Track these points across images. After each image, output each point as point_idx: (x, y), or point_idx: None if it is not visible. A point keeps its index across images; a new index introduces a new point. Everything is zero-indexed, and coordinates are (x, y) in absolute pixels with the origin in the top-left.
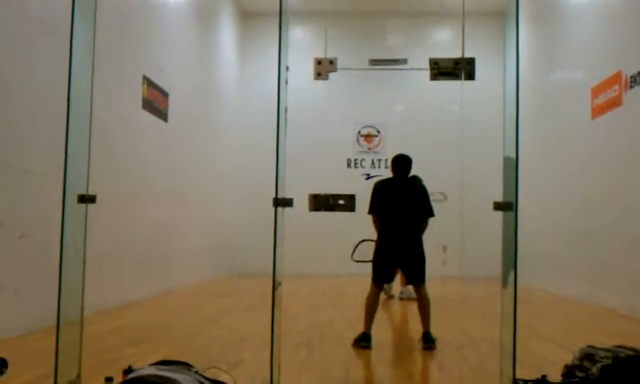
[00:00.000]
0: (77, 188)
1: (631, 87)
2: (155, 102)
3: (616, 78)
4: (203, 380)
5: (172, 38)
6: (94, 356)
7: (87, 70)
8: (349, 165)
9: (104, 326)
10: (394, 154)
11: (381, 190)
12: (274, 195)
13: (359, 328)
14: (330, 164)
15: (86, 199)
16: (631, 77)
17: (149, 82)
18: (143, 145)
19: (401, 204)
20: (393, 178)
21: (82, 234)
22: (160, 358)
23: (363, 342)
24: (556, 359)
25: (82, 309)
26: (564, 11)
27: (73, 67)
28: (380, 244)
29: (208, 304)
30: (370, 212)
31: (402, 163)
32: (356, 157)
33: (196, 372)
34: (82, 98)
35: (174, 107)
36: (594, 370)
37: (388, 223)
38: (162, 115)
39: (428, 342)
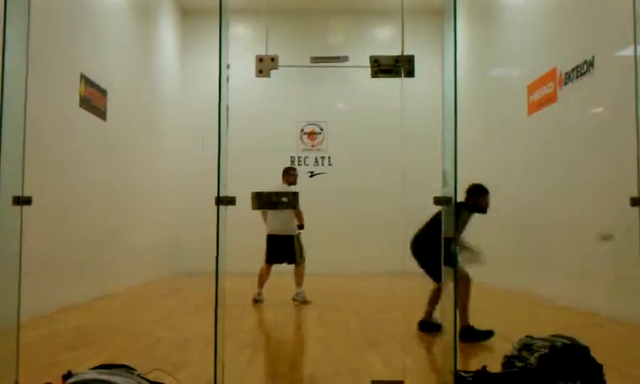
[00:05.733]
0: (12, 189)
1: (565, 84)
2: (93, 100)
3: (551, 75)
4: (145, 383)
5: (110, 35)
6: (32, 362)
7: (21, 69)
8: (292, 162)
9: (42, 330)
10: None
11: None
12: (216, 194)
13: (302, 326)
14: (274, 162)
15: (22, 201)
16: (566, 73)
17: (86, 80)
18: (81, 144)
19: None
20: None
21: (17, 236)
22: (101, 361)
23: None
24: (496, 350)
25: (19, 313)
26: (501, 9)
27: (6, 65)
28: None
29: (152, 305)
30: None
31: None
32: (300, 154)
33: (138, 375)
34: (15, 97)
35: (112, 105)
36: (532, 359)
37: None
38: (101, 113)
39: None
